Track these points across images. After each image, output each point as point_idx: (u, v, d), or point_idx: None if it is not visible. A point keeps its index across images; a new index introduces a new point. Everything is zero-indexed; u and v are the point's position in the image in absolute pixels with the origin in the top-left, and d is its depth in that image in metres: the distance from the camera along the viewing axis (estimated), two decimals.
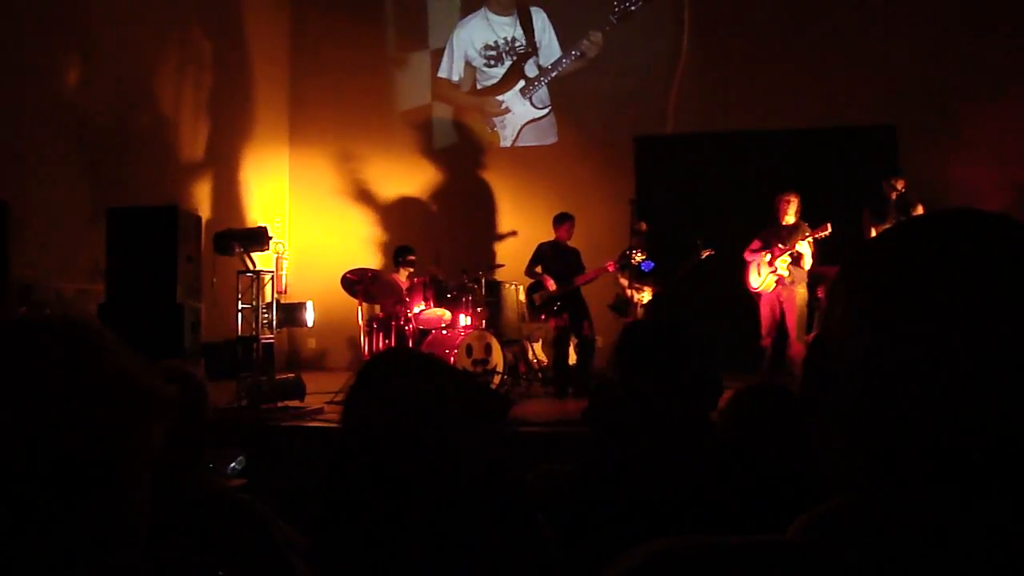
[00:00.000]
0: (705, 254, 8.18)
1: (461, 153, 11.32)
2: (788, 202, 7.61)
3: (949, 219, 0.76)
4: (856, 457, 0.75)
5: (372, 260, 10.73)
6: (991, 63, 9.53)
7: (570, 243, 8.44)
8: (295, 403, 7.13)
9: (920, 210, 7.44)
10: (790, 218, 7.63)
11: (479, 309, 8.16)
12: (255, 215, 10.67)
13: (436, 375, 1.99)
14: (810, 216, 7.66)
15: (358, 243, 11.28)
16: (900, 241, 0.76)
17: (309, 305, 8.15)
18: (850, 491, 0.75)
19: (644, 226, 8.48)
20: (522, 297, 8.69)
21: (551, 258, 8.33)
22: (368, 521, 1.84)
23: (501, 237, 10.89)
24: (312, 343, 11.27)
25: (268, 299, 7.39)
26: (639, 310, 8.20)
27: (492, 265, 8.60)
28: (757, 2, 10.24)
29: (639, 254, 7.98)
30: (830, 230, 7.33)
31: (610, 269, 8.16)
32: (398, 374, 1.96)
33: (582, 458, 2.04)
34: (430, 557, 1.78)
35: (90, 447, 0.90)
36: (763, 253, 7.67)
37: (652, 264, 8.14)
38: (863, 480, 0.74)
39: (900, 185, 7.49)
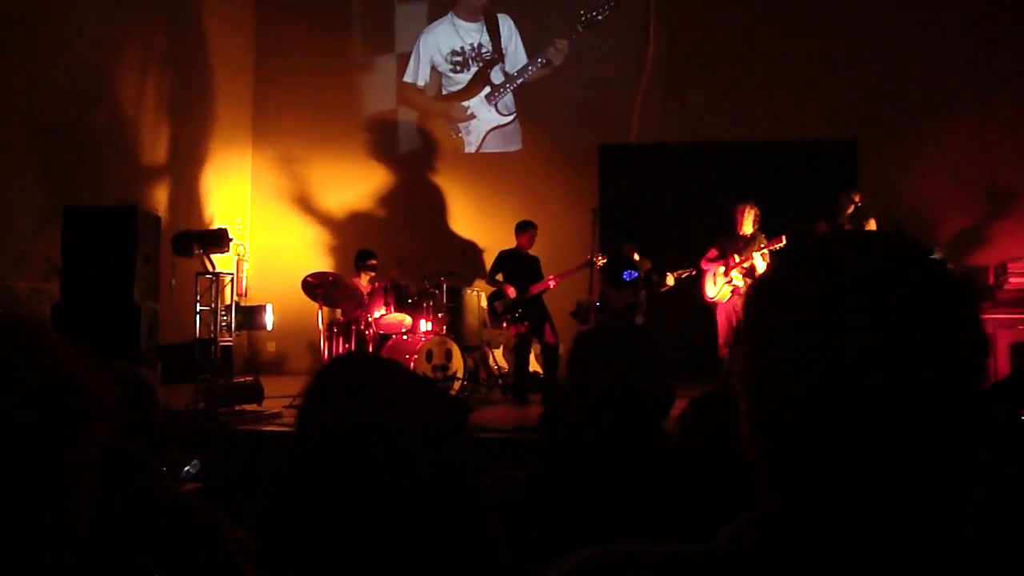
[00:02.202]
0: (685, 274, 8.21)
1: (425, 158, 11.31)
2: (745, 212, 7.69)
3: (844, 242, 0.81)
4: (773, 468, 0.78)
5: (334, 264, 10.68)
6: (947, 82, 9.70)
7: (532, 251, 8.47)
8: (253, 407, 7.08)
9: (872, 224, 7.55)
10: (747, 228, 7.70)
11: (440, 315, 8.15)
12: (216, 217, 10.58)
13: (393, 380, 1.98)
14: (771, 227, 7.74)
15: (320, 246, 11.23)
16: (801, 266, 0.80)
17: (269, 308, 8.10)
18: (771, 500, 0.77)
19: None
20: (484, 303, 8.69)
21: (512, 266, 8.35)
22: (319, 524, 1.83)
23: (464, 243, 10.88)
24: (272, 346, 11.18)
25: (227, 301, 7.33)
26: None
27: (453, 271, 8.59)
28: (723, 15, 10.33)
29: (601, 258, 8.03)
30: (784, 242, 7.41)
31: (551, 285, 8.20)
32: (354, 378, 1.95)
33: (536, 464, 2.03)
34: (380, 560, 1.77)
35: (27, 447, 0.88)
36: (718, 264, 7.75)
37: (635, 274, 8.19)
38: (781, 490, 0.77)
39: (857, 199, 7.59)
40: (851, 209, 7.58)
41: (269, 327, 8.30)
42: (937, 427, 0.72)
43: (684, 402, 2.12)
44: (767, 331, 0.78)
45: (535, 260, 8.44)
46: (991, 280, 8.66)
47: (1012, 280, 8.11)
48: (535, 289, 8.23)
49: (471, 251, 10.68)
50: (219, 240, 7.18)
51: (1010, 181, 9.42)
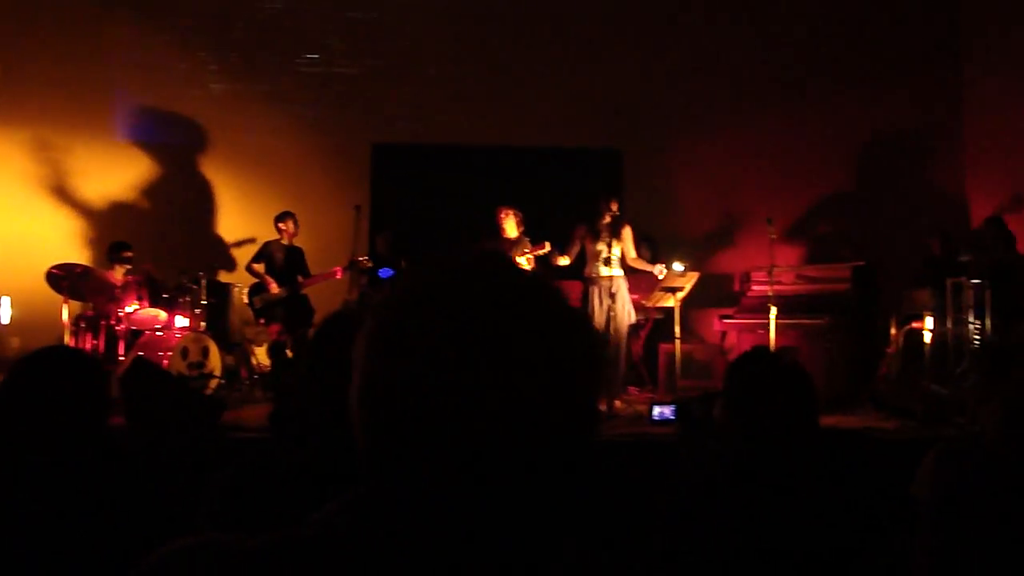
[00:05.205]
0: None
1: (186, 147, 10.84)
2: (506, 216, 7.90)
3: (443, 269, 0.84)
4: (373, 452, 0.80)
5: (91, 256, 10.02)
6: (710, 100, 10.36)
7: (297, 243, 8.34)
8: None
9: (628, 230, 7.90)
10: (511, 231, 7.90)
11: (198, 311, 7.87)
12: None
13: (88, 375, 1.91)
14: (536, 233, 7.97)
15: (70, 237, 10.48)
16: (404, 287, 0.84)
17: (5, 301, 7.54)
18: (356, 489, 0.80)
19: (382, 242, 8.53)
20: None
21: (276, 257, 8.21)
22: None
23: (230, 236, 10.52)
24: (15, 342, 10.33)
25: None
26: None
27: (214, 266, 8.31)
28: (497, 19, 10.54)
29: (366, 260, 8.04)
30: (548, 248, 7.67)
31: (338, 276, 8.14)
32: (45, 373, 1.86)
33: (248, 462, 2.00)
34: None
35: None
36: None
37: (392, 271, 8.22)
38: (373, 476, 0.79)
39: (615, 207, 7.91)
40: (608, 217, 7.90)
41: (5, 320, 7.72)
42: (529, 444, 0.76)
43: None
44: (380, 343, 0.80)
45: (298, 251, 8.34)
46: (736, 287, 9.34)
47: (754, 288, 8.74)
48: (319, 278, 8.14)
49: (237, 244, 10.35)
50: None
51: (753, 198, 10.13)
